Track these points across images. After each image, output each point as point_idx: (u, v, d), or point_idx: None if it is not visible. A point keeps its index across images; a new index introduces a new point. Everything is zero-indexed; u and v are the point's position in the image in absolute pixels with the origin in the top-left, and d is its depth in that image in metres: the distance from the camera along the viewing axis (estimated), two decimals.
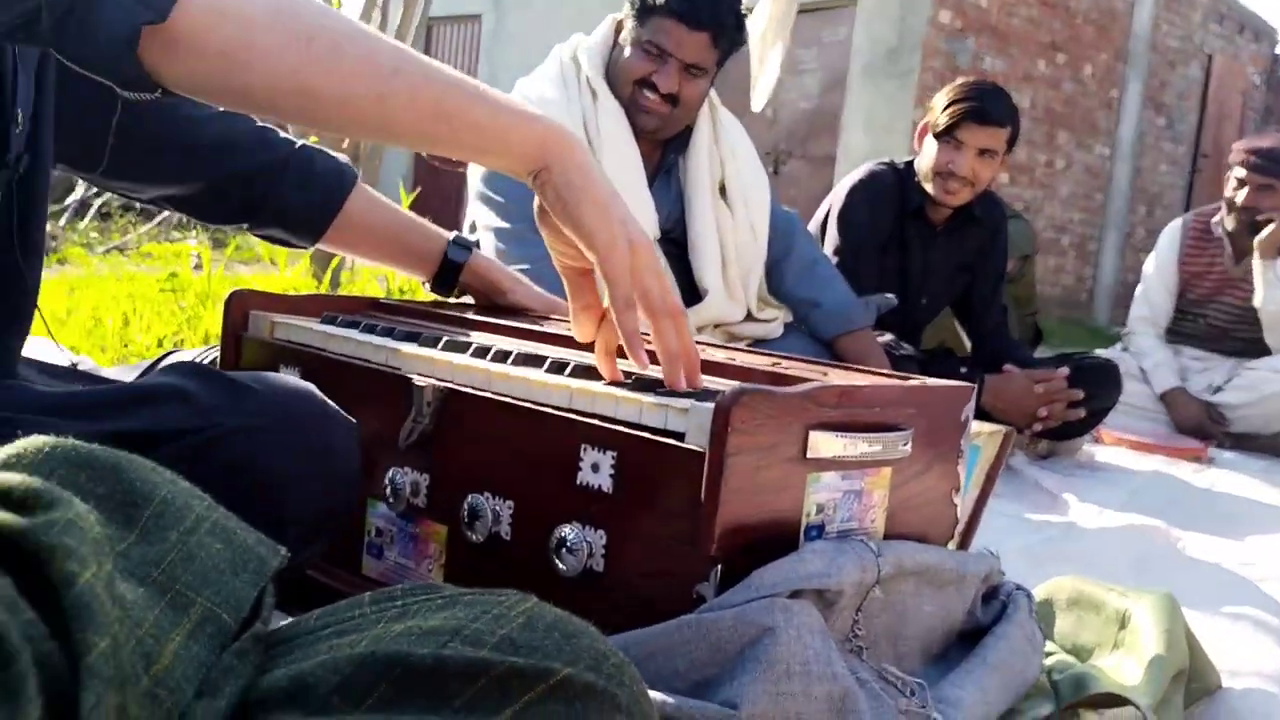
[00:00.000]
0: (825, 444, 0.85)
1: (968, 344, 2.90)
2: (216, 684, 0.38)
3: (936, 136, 2.57)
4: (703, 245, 2.10)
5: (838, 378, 1.01)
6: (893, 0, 7.71)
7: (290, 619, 0.46)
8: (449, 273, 1.33)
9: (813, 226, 2.73)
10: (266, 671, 0.40)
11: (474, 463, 1.00)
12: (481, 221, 2.01)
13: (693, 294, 2.11)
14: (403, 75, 0.81)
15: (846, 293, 2.27)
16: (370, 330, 1.18)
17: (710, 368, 1.03)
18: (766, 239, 2.21)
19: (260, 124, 1.25)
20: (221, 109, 1.20)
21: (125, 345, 2.88)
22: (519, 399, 0.97)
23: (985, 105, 2.52)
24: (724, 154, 2.15)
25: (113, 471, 0.43)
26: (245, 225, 1.29)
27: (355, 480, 0.94)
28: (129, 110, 1.11)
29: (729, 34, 1.99)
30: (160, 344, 2.96)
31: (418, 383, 1.03)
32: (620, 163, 2.01)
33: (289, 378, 0.96)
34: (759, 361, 1.10)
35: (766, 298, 2.27)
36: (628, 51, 2.01)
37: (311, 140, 1.33)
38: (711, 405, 0.82)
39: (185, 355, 1.44)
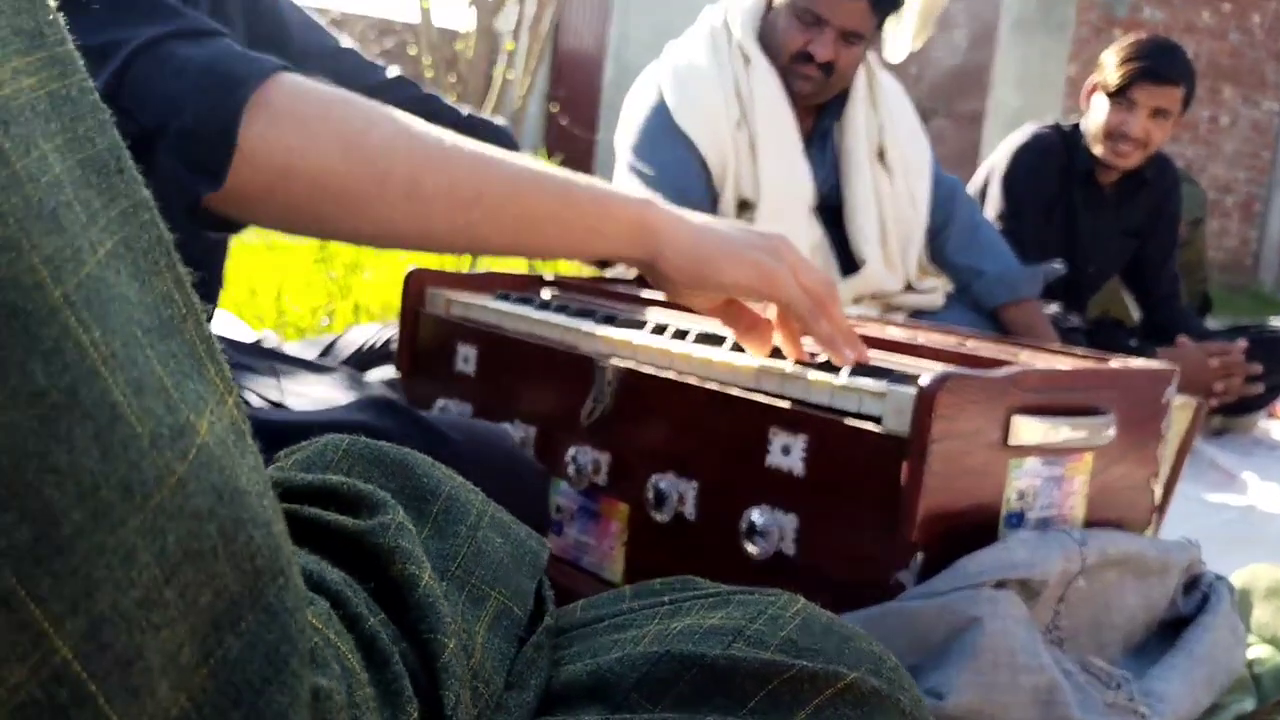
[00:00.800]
0: (1028, 430, 0.85)
1: (1135, 313, 2.82)
2: (522, 676, 0.40)
3: (1108, 96, 2.49)
4: (860, 214, 2.08)
5: (1034, 359, 0.99)
6: None
7: None
8: None
9: (971, 189, 2.68)
10: (558, 665, 0.42)
11: (656, 442, 1.01)
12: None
13: (849, 264, 2.09)
14: (485, 200, 0.80)
15: (1011, 260, 2.22)
16: (546, 307, 1.20)
17: (895, 347, 1.02)
18: (927, 206, 2.17)
19: (424, 93, 1.27)
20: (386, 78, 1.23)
21: (281, 314, 2.99)
22: (702, 379, 0.98)
23: (1160, 63, 2.43)
24: (882, 118, 2.12)
25: (402, 467, 0.45)
26: None
27: (544, 528, 0.96)
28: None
29: None
30: (314, 314, 3.06)
31: (599, 362, 1.05)
32: (775, 129, 1.99)
33: (482, 423, 0.98)
34: (945, 341, 1.09)
35: (927, 266, 2.23)
36: (781, 18, 1.99)
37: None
38: (911, 390, 0.81)
39: (363, 331, 1.49)
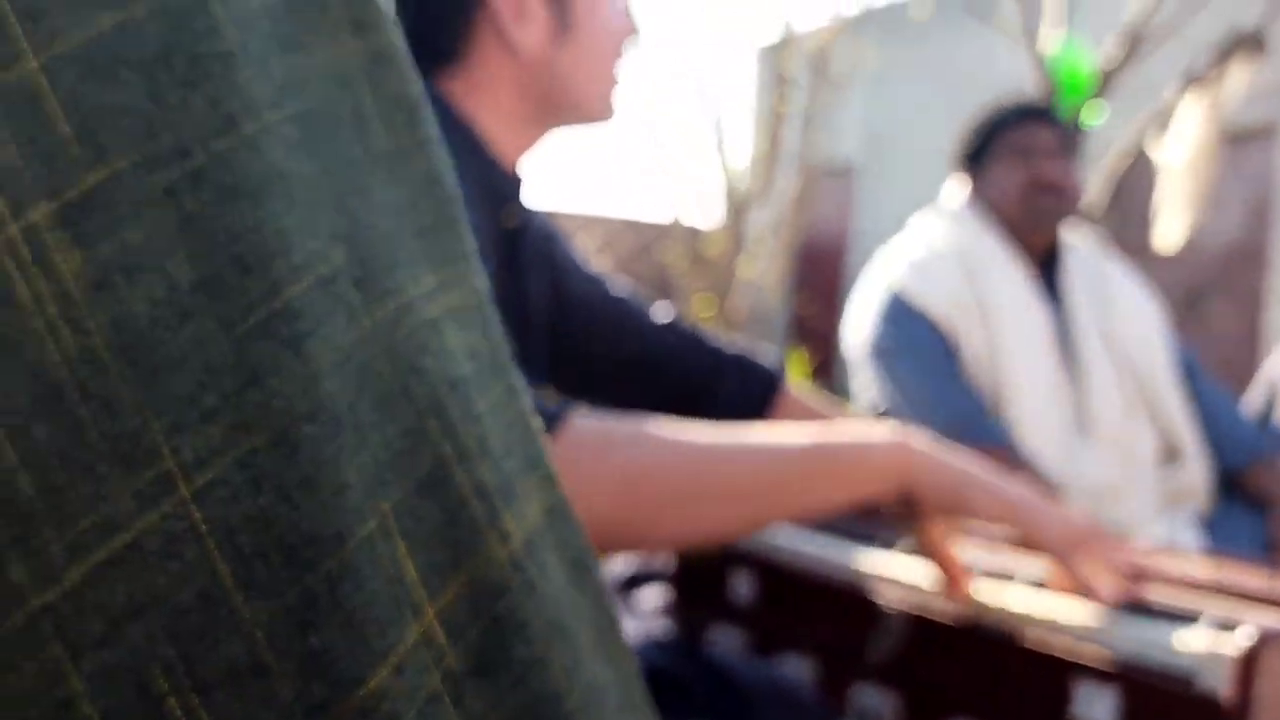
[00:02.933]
0: None
1: None
2: None
3: None
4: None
5: None
6: None
7: None
8: None
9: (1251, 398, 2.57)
10: None
11: (948, 687, 1.01)
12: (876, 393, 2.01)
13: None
14: (756, 497, 0.90)
15: (1246, 421, 2.11)
16: (826, 530, 1.22)
17: (1192, 585, 1.00)
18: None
19: (693, 333, 1.32)
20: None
21: None
22: (993, 625, 0.98)
23: None
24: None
25: None
26: None
27: None
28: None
29: None
30: None
31: (886, 609, 1.06)
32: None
33: (767, 667, 1.03)
34: (1251, 583, 1.05)
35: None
36: (999, 171, 2.05)
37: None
38: (1227, 648, 0.80)
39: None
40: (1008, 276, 1.97)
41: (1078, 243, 2.09)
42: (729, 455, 0.88)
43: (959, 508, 0.94)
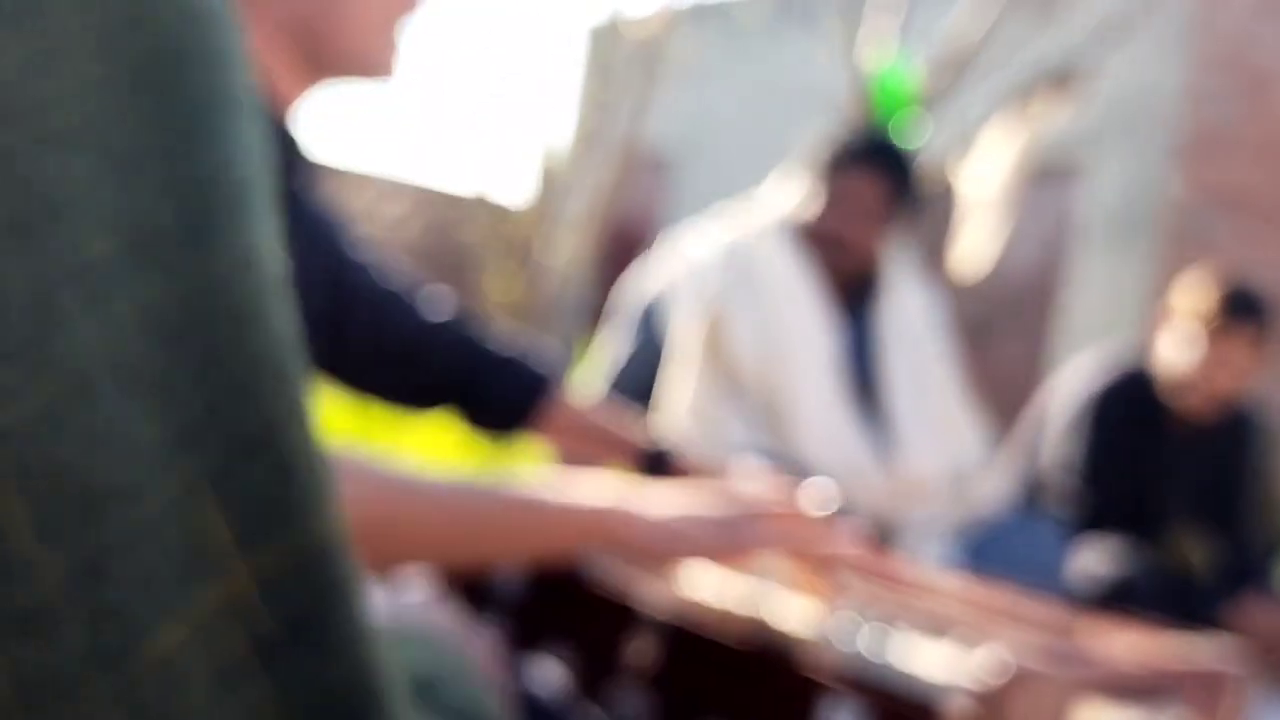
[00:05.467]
0: None
1: (1199, 553, 2.80)
2: None
3: (1194, 332, 2.50)
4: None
5: (1098, 641, 1.01)
6: (1128, 164, 7.67)
7: None
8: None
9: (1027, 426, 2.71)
10: None
11: (702, 693, 1.03)
12: None
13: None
14: (443, 543, 0.95)
15: None
16: None
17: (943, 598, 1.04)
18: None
19: (468, 336, 1.30)
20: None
21: None
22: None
23: (1250, 298, 2.47)
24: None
25: None
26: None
27: None
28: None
29: None
30: None
31: (642, 617, 1.07)
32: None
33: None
34: (1002, 601, 1.09)
35: None
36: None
37: None
38: (973, 674, 0.83)
39: None
40: (804, 299, 2.05)
41: (891, 271, 2.17)
42: (426, 495, 0.93)
43: (670, 558, 0.99)
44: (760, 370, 1.99)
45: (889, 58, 4.31)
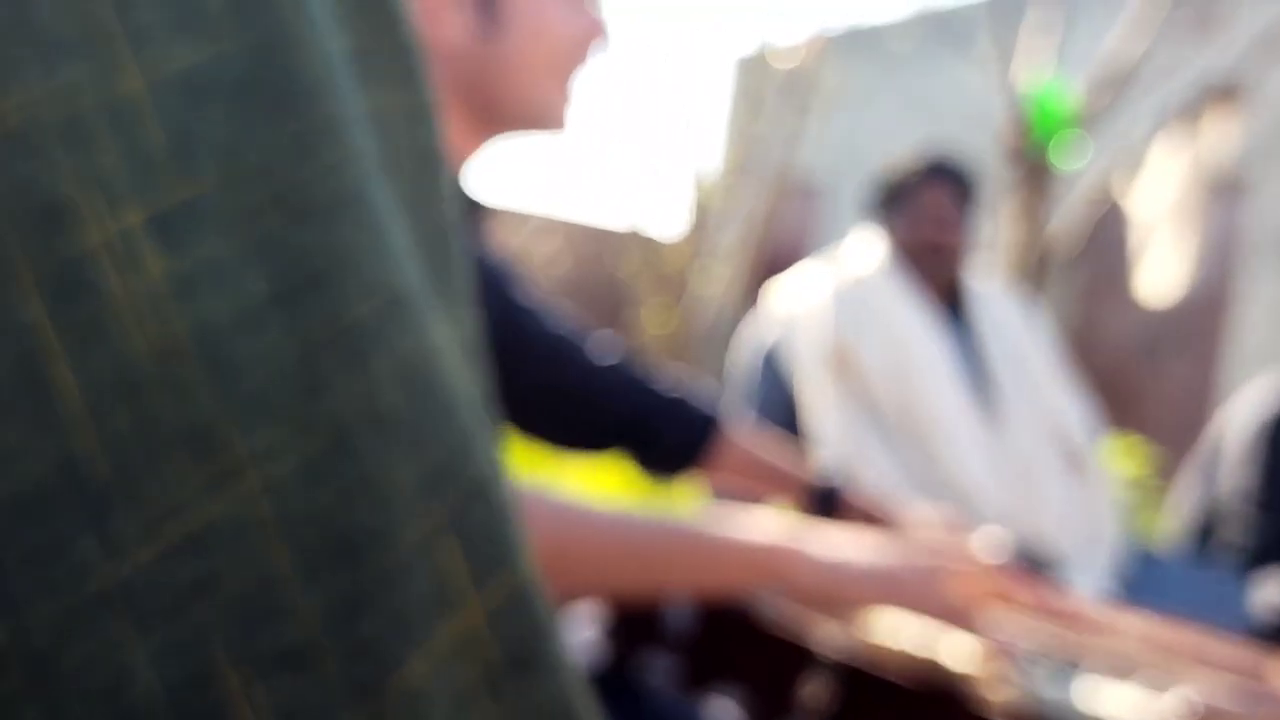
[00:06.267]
0: None
1: None
2: None
3: None
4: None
5: None
6: None
7: None
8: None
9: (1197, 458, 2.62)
10: None
11: None
12: None
13: None
14: (609, 574, 0.97)
15: None
16: None
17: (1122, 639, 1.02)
18: None
19: (634, 377, 1.32)
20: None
21: None
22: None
23: None
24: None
25: None
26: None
27: None
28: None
29: None
30: None
31: (818, 653, 1.08)
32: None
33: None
34: (1184, 641, 1.08)
35: None
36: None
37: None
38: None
39: None
40: (915, 312, 2.14)
41: (979, 284, 2.28)
42: (597, 525, 0.95)
43: (838, 600, 1.01)
44: (892, 390, 2.06)
45: (1046, 78, 4.25)
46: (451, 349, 0.31)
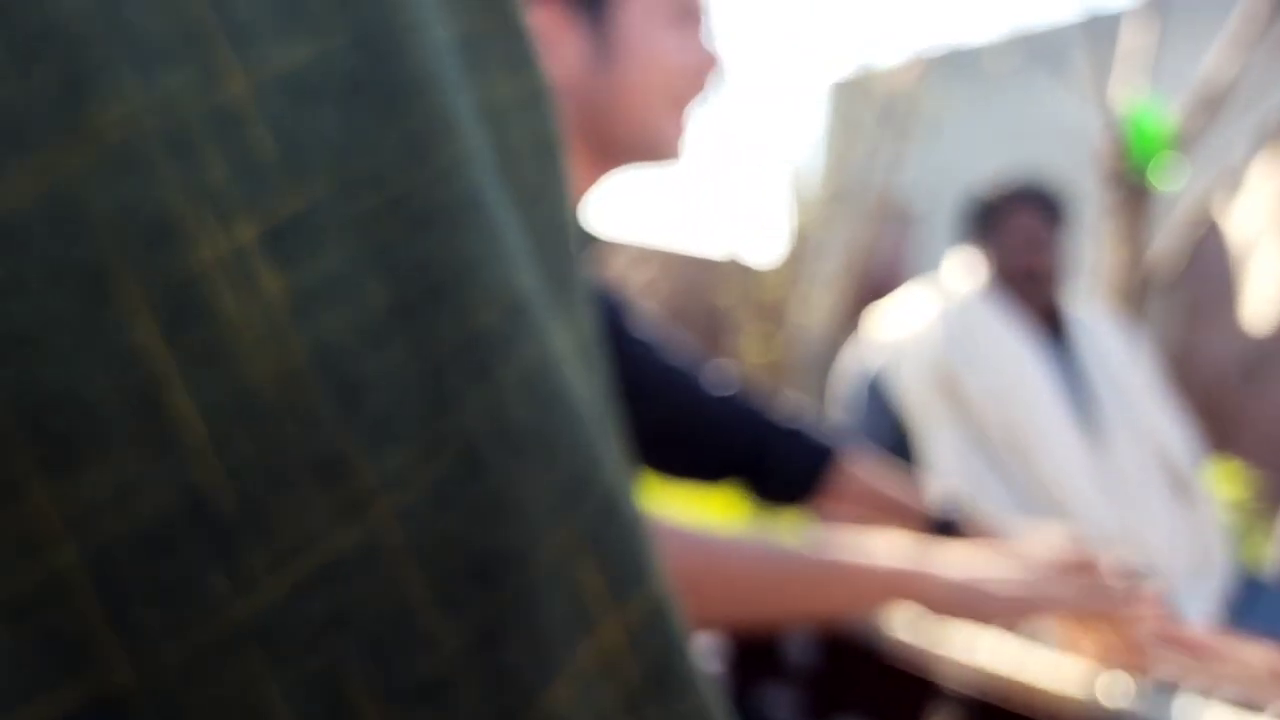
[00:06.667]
0: None
1: None
2: None
3: None
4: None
5: None
6: None
7: None
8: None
9: None
10: None
11: None
12: None
13: None
14: (742, 602, 0.97)
15: None
16: None
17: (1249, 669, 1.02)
18: None
19: (751, 408, 1.33)
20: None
21: None
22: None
23: None
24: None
25: None
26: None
27: None
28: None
29: None
30: None
31: (944, 685, 1.11)
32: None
33: None
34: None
35: None
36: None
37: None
38: None
39: None
40: (1018, 338, 2.16)
41: (1080, 308, 2.30)
42: (730, 552, 0.96)
43: (974, 619, 0.98)
44: (998, 414, 2.08)
45: (1143, 99, 4.22)
46: (572, 355, 0.30)
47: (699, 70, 1.08)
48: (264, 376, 0.24)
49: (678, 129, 1.09)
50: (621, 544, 0.29)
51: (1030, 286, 2.23)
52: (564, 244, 0.32)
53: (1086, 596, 0.99)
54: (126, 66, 0.24)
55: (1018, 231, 2.26)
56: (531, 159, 0.31)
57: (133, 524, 0.23)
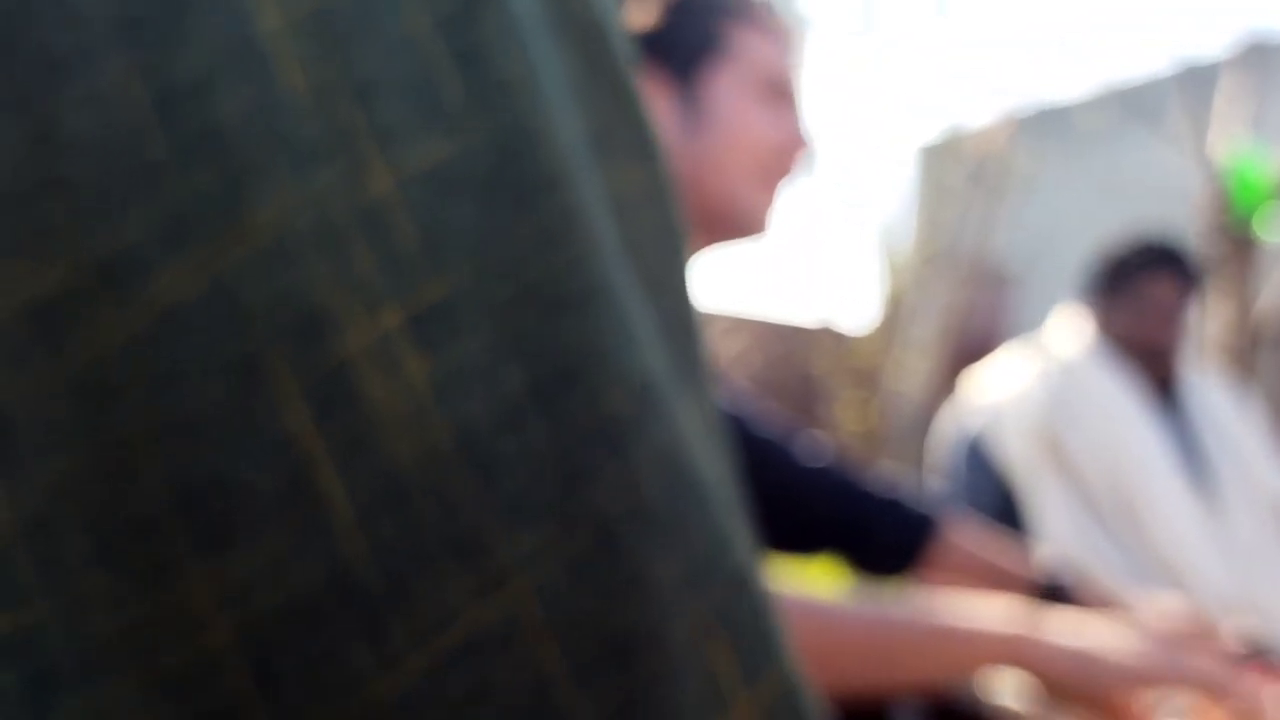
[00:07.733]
0: None
1: None
2: None
3: None
4: None
5: None
6: None
7: None
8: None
9: None
10: None
11: None
12: None
13: None
14: (847, 669, 0.96)
15: None
16: None
17: None
18: None
19: (846, 479, 1.32)
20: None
21: None
22: None
23: None
24: None
25: None
26: None
27: None
28: None
29: None
30: None
31: None
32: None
33: None
34: None
35: None
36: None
37: None
38: None
39: None
40: (1131, 406, 2.11)
41: (1190, 370, 2.24)
42: (843, 621, 0.96)
43: (1085, 692, 0.96)
44: (1106, 477, 2.04)
45: (1243, 149, 4.16)
46: (699, 435, 0.30)
47: (787, 150, 1.09)
48: (408, 458, 0.25)
49: (765, 204, 1.09)
50: (752, 623, 0.29)
51: (1152, 360, 2.15)
52: (687, 327, 0.33)
53: (1208, 668, 0.96)
54: (281, 166, 0.25)
55: (1152, 301, 2.15)
56: (655, 247, 0.33)
57: (283, 600, 0.24)
